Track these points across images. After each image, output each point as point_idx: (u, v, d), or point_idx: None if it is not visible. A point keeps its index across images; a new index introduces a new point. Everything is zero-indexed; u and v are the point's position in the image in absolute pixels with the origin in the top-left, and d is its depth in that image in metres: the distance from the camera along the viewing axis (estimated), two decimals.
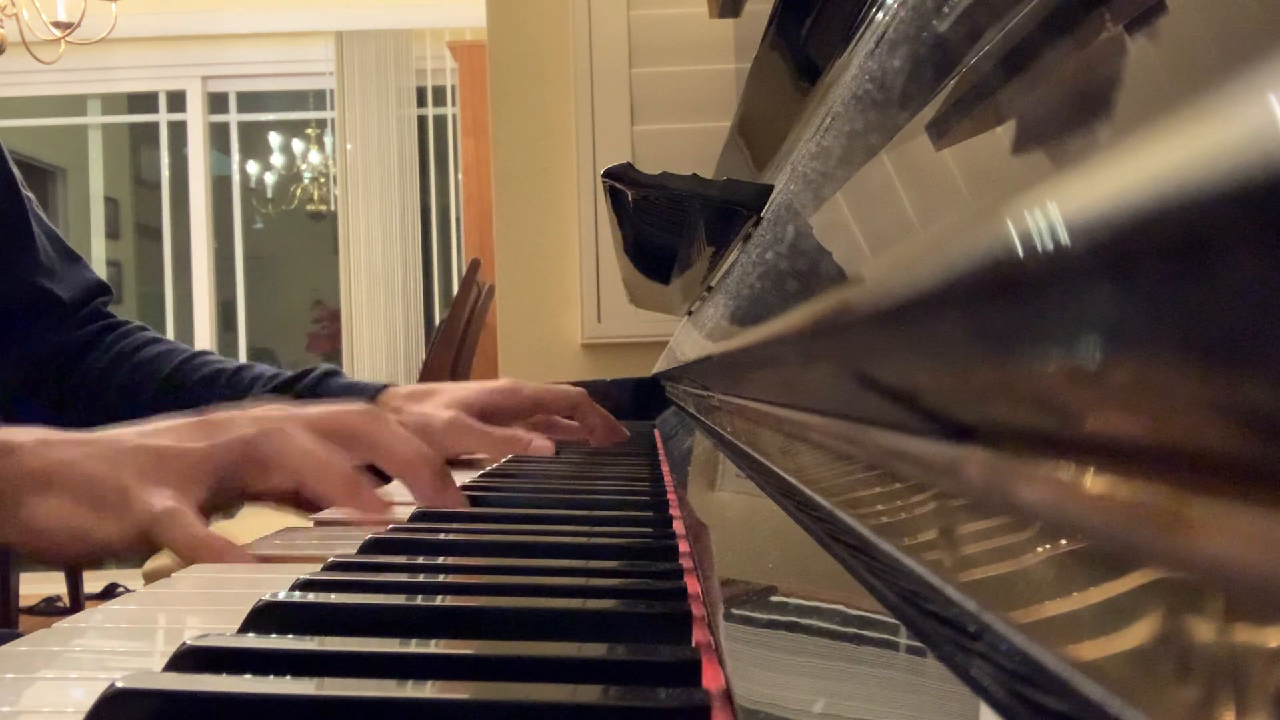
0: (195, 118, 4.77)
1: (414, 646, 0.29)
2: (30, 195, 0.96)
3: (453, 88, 4.35)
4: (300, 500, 0.63)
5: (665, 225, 0.68)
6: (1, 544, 0.56)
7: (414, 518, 0.54)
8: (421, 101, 4.59)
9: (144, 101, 4.94)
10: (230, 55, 4.64)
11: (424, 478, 0.60)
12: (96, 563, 0.58)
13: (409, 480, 0.61)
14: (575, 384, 1.65)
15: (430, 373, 2.60)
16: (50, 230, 0.98)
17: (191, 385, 0.91)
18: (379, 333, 4.38)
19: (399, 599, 0.34)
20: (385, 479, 0.87)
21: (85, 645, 0.35)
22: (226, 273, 4.89)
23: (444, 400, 0.93)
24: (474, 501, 0.61)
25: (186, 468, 0.56)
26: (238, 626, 0.31)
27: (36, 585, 3.58)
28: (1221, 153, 0.07)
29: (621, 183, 0.60)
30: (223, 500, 0.58)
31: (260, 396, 0.87)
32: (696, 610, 0.32)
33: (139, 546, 0.54)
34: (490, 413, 0.94)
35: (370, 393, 0.95)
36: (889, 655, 0.18)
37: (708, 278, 0.74)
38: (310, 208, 5.06)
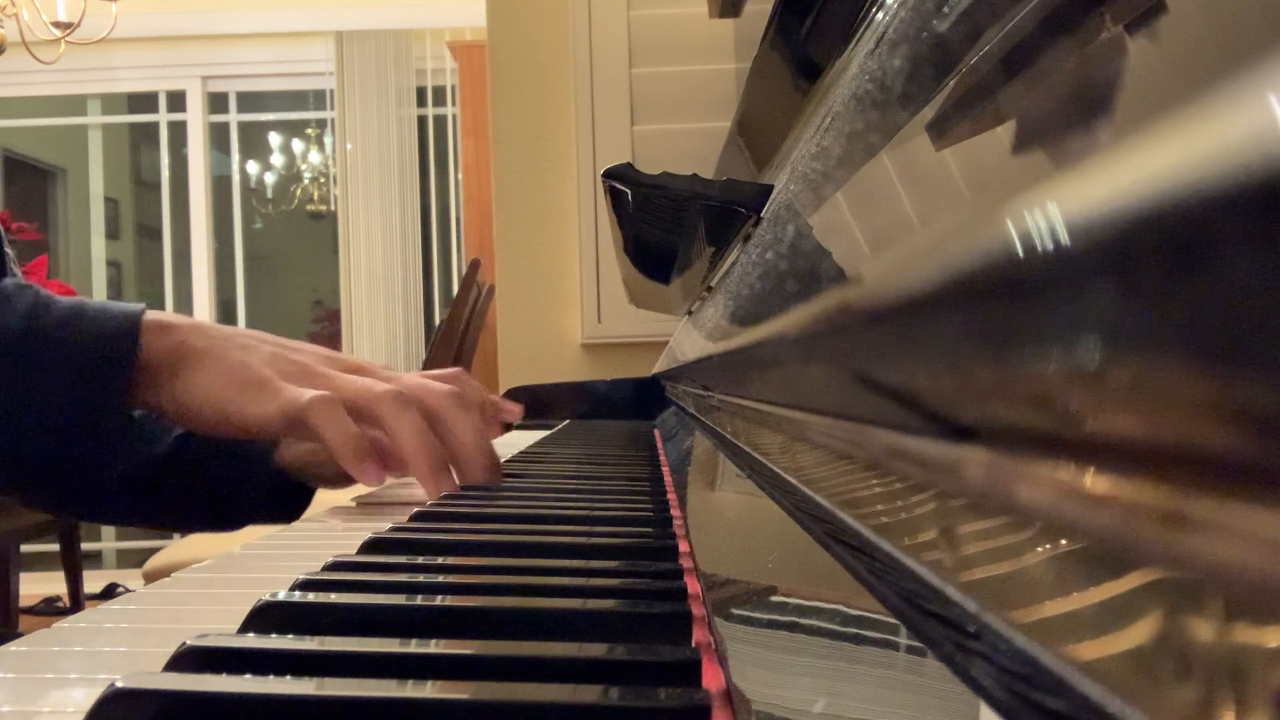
0: (195, 118, 4.77)
1: (414, 646, 0.29)
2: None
3: (453, 88, 4.35)
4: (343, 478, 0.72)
5: (665, 225, 0.68)
6: (154, 410, 0.63)
7: (414, 518, 0.54)
8: (421, 101, 4.59)
9: (144, 101, 4.94)
10: (230, 55, 4.64)
11: (479, 468, 0.67)
12: (236, 435, 0.64)
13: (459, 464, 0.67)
14: (575, 384, 1.65)
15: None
16: (8, 270, 0.99)
17: None
18: (379, 333, 4.38)
19: (399, 599, 0.34)
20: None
21: (85, 645, 0.35)
22: (226, 273, 4.89)
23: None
24: (475, 502, 0.62)
25: (322, 386, 0.62)
26: (238, 626, 0.31)
27: (36, 585, 3.58)
28: (1222, 153, 0.07)
29: (621, 183, 0.60)
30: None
31: None
32: (696, 610, 0.32)
33: (280, 429, 0.62)
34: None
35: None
36: (889, 655, 0.18)
37: (708, 278, 0.74)
38: (310, 208, 5.06)
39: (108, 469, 0.66)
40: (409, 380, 0.67)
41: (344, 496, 0.74)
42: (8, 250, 0.95)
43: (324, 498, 0.79)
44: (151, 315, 0.63)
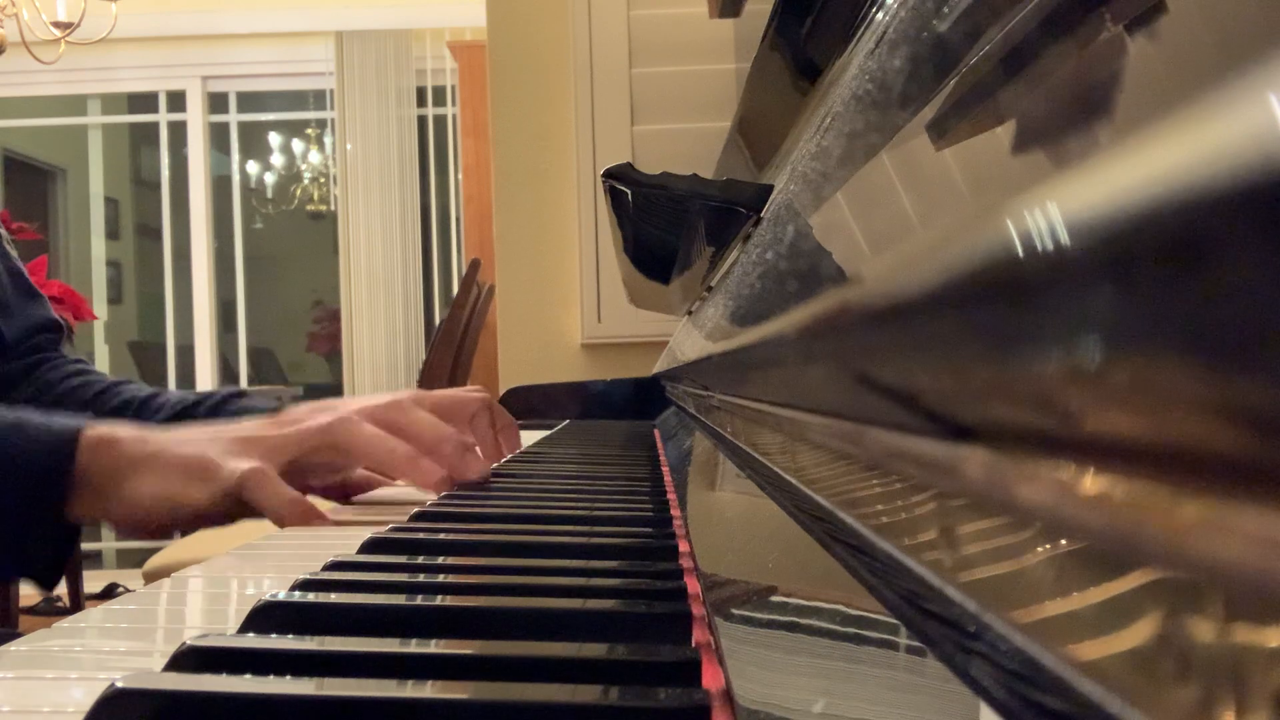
0: (195, 118, 4.77)
1: (414, 646, 0.29)
2: (1, 232, 1.01)
3: (453, 88, 4.35)
4: (347, 491, 0.75)
5: (665, 225, 0.68)
6: (103, 520, 0.64)
7: (414, 517, 0.54)
8: (421, 101, 4.58)
9: (144, 101, 4.94)
10: (230, 55, 4.64)
11: (445, 452, 0.68)
12: (189, 527, 0.66)
13: (433, 455, 0.69)
14: (575, 384, 1.65)
15: (430, 372, 2.60)
16: (15, 268, 1.02)
17: (105, 414, 0.93)
18: (379, 333, 4.38)
19: (399, 599, 0.34)
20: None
21: (85, 645, 0.35)
22: (226, 273, 4.89)
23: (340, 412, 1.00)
24: (475, 502, 0.62)
25: (268, 450, 0.64)
26: (238, 626, 0.31)
27: None
28: (1222, 152, 0.07)
29: (621, 183, 0.60)
30: (299, 479, 0.66)
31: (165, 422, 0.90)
32: (696, 610, 0.32)
33: (227, 508, 0.63)
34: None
35: (267, 412, 1.02)
36: (889, 655, 0.18)
37: (708, 278, 0.74)
38: (310, 208, 5.06)
39: (52, 582, 0.68)
40: (356, 404, 0.69)
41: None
42: (9, 249, 0.96)
43: (317, 499, 0.80)
44: (93, 431, 0.64)
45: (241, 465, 0.62)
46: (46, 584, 0.67)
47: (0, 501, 0.61)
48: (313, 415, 0.67)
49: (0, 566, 0.68)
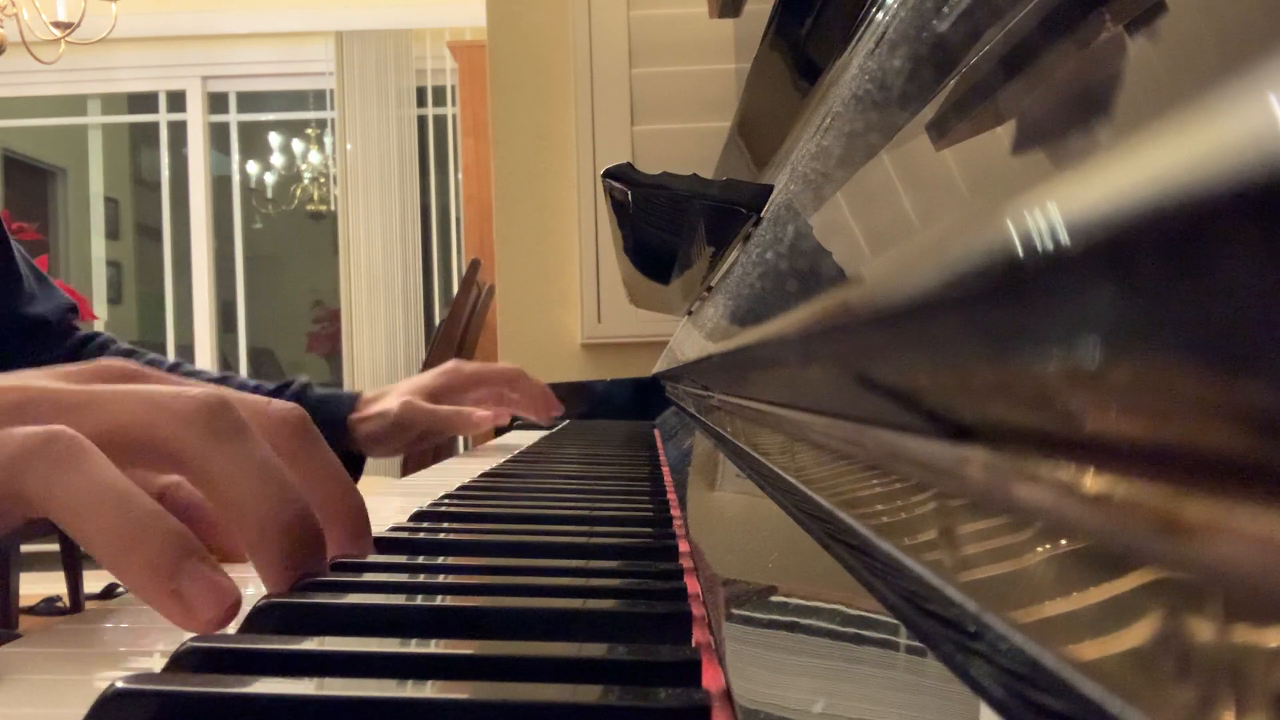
0: (195, 118, 4.77)
1: (414, 646, 0.29)
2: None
3: (453, 88, 4.35)
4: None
5: (665, 225, 0.68)
6: None
7: (414, 517, 0.54)
8: (421, 101, 4.59)
9: (144, 101, 4.94)
10: (230, 55, 4.65)
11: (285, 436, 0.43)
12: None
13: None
14: (575, 384, 1.65)
15: None
16: (25, 256, 1.05)
17: None
18: (379, 333, 4.38)
19: (399, 599, 0.34)
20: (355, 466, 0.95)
21: (85, 645, 0.35)
22: (226, 273, 4.89)
23: (398, 392, 1.10)
24: (475, 502, 0.62)
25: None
26: (238, 626, 0.31)
27: (36, 585, 3.58)
28: (1222, 152, 0.07)
29: (621, 183, 0.60)
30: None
31: None
32: (696, 610, 0.32)
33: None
34: (439, 393, 1.11)
35: (347, 402, 1.09)
36: (889, 655, 0.18)
37: (708, 278, 0.74)
38: (310, 208, 5.06)
39: None
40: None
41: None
42: (13, 244, 0.97)
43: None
44: None
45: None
46: None
47: None
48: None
49: None
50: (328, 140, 4.95)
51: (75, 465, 0.32)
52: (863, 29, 0.38)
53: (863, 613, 0.20)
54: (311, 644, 0.29)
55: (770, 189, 0.50)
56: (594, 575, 0.39)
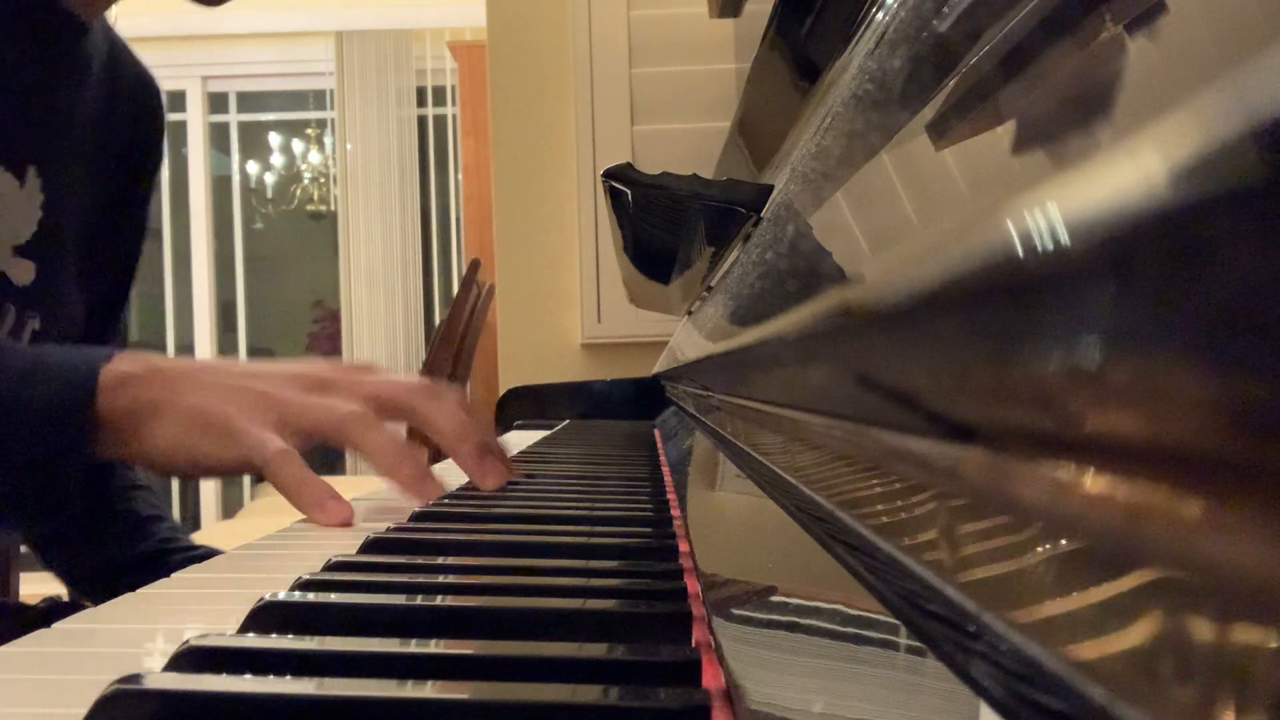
0: (195, 118, 4.77)
1: (414, 646, 0.29)
2: None
3: (453, 88, 4.35)
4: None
5: (665, 225, 0.68)
6: (127, 461, 0.68)
7: (414, 517, 0.54)
8: (421, 101, 4.59)
9: None
10: (230, 55, 4.64)
11: (462, 452, 0.66)
12: (209, 477, 0.66)
13: (455, 454, 0.68)
14: (575, 384, 1.65)
15: (430, 373, 2.60)
16: None
17: None
18: (379, 333, 4.38)
19: (399, 599, 0.34)
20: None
21: (85, 645, 0.35)
22: (226, 273, 4.89)
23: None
24: (475, 502, 0.62)
25: (286, 416, 0.62)
26: (238, 626, 0.31)
27: (36, 585, 3.58)
28: (1221, 152, 0.07)
29: (621, 183, 0.60)
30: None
31: None
32: (696, 610, 0.32)
33: (244, 469, 0.63)
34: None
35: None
36: (889, 655, 0.18)
37: (708, 278, 0.74)
38: (310, 208, 5.06)
39: (65, 518, 0.67)
40: (378, 384, 0.66)
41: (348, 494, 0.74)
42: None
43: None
44: (111, 368, 0.62)
45: (265, 439, 0.60)
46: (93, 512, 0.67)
47: (22, 445, 0.61)
48: (333, 390, 0.64)
49: (35, 511, 0.66)
50: (328, 140, 4.95)
51: (378, 427, 0.62)
52: (863, 29, 0.38)
53: (863, 613, 0.20)
54: (311, 644, 0.29)
55: (770, 189, 0.50)
56: (594, 575, 0.39)
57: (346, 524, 0.59)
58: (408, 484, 0.62)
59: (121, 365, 0.63)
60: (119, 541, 0.96)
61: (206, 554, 0.90)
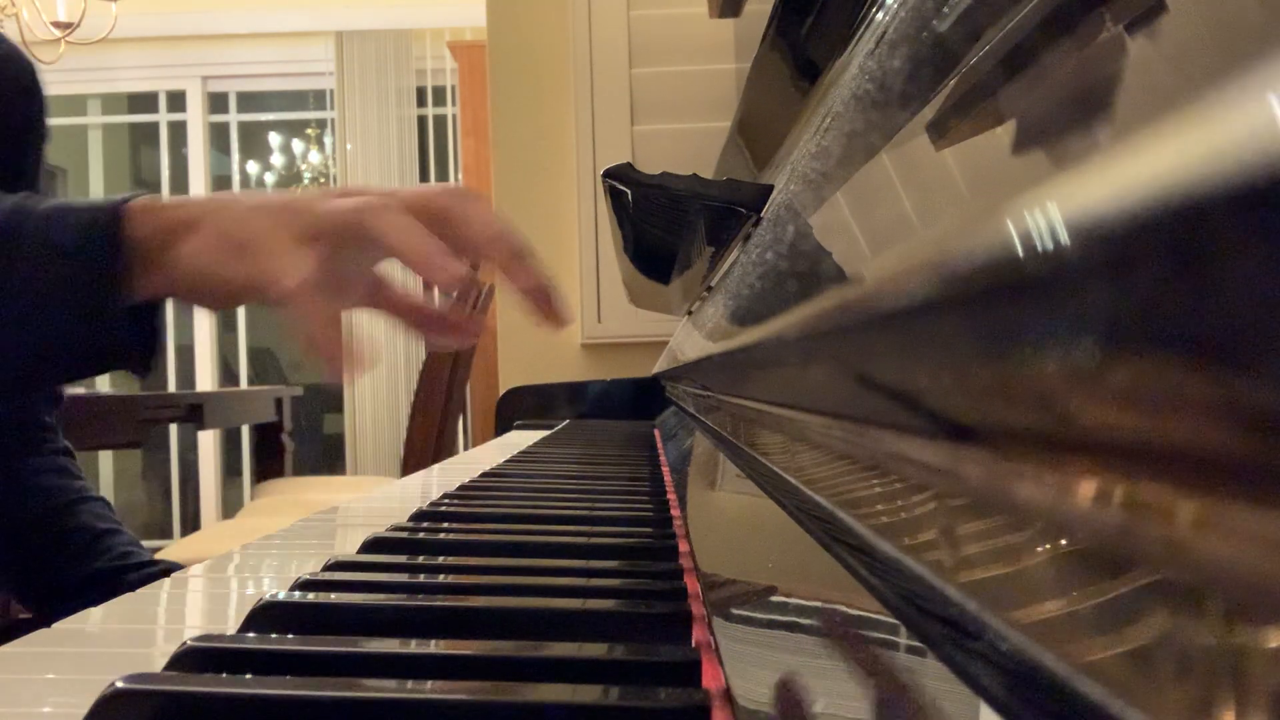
0: (195, 118, 4.77)
1: (414, 646, 0.29)
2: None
3: (453, 88, 4.35)
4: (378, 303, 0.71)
5: (665, 225, 0.68)
6: (152, 293, 0.62)
7: (414, 517, 0.54)
8: (421, 101, 4.59)
9: (144, 101, 4.94)
10: (230, 55, 4.64)
11: (504, 254, 0.60)
12: (227, 305, 0.63)
13: (493, 256, 0.61)
14: (575, 384, 1.65)
15: (430, 373, 2.60)
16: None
17: None
18: (379, 332, 4.38)
19: (399, 599, 0.34)
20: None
21: (84, 645, 0.35)
22: None
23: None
24: (475, 502, 0.62)
25: (312, 221, 0.60)
26: (238, 626, 0.31)
27: None
28: (1221, 153, 0.07)
29: (621, 183, 0.60)
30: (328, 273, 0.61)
31: None
32: (696, 610, 0.32)
33: (266, 295, 0.59)
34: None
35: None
36: (889, 655, 0.18)
37: (708, 278, 0.74)
38: None
39: (146, 367, 0.65)
40: (405, 191, 0.64)
41: (336, 498, 0.73)
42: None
43: (317, 499, 0.78)
44: (140, 200, 0.62)
45: (291, 264, 0.57)
46: (140, 369, 0.64)
47: (55, 284, 0.60)
48: (357, 198, 0.61)
49: (80, 357, 0.64)
50: (328, 140, 4.94)
51: (400, 212, 0.59)
52: (863, 29, 0.38)
53: (863, 613, 0.20)
54: (311, 644, 0.29)
55: (770, 189, 0.50)
56: (594, 575, 0.39)
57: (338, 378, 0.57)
58: (426, 268, 0.58)
59: (151, 198, 0.62)
60: (75, 559, 0.92)
61: (166, 569, 0.89)
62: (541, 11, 1.90)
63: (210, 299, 0.62)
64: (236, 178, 4.98)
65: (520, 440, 1.21)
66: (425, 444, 2.54)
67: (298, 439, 3.76)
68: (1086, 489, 0.10)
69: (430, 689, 0.25)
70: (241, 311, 4.90)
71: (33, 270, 0.59)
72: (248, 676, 0.25)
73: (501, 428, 1.56)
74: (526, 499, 0.63)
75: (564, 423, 1.52)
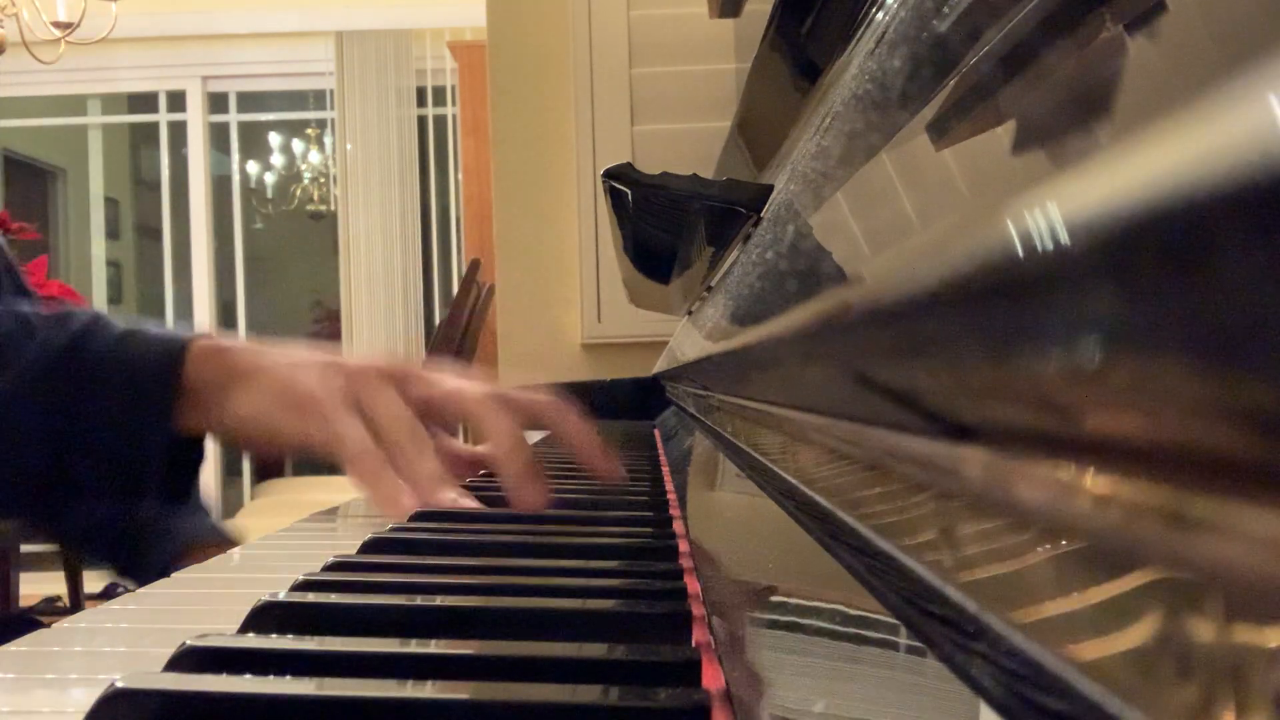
0: (195, 118, 4.77)
1: (414, 646, 0.29)
2: None
3: (453, 88, 4.35)
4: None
5: (665, 225, 0.68)
6: (204, 432, 0.65)
7: (414, 517, 0.54)
8: (421, 101, 4.59)
9: (144, 101, 4.94)
10: (230, 55, 4.64)
11: (515, 468, 0.59)
12: (291, 456, 0.68)
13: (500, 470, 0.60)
14: (575, 384, 1.65)
15: None
16: (7, 264, 0.93)
17: None
18: (379, 333, 4.38)
19: (399, 599, 0.34)
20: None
21: (85, 645, 0.35)
22: (226, 273, 4.89)
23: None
24: (476, 500, 0.61)
25: (363, 404, 0.60)
26: (238, 626, 0.31)
27: (36, 585, 3.58)
28: (1221, 153, 0.07)
29: (621, 183, 0.60)
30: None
31: None
32: (696, 610, 0.32)
33: (321, 455, 0.61)
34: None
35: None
36: (889, 655, 0.18)
37: (708, 278, 0.74)
38: (310, 208, 5.06)
39: (144, 495, 0.66)
40: (450, 388, 0.62)
41: (336, 499, 0.73)
42: (10, 258, 0.93)
43: (317, 499, 0.78)
44: (205, 340, 0.64)
45: (351, 432, 0.58)
46: (175, 497, 0.66)
47: (108, 408, 0.62)
48: (410, 385, 0.62)
49: (120, 483, 0.66)
50: (328, 140, 4.94)
51: (423, 446, 0.59)
52: (863, 29, 0.38)
53: (863, 613, 0.20)
54: (311, 644, 0.29)
55: (770, 189, 0.50)
56: (594, 575, 0.39)
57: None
58: (422, 492, 0.58)
59: (216, 340, 0.64)
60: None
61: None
62: (541, 12, 1.90)
63: (260, 447, 0.64)
64: (236, 178, 4.99)
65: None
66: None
67: None
68: (1086, 488, 0.10)
69: (430, 689, 0.25)
70: (241, 311, 4.90)
71: (86, 401, 0.62)
72: (247, 676, 0.25)
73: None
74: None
75: None
